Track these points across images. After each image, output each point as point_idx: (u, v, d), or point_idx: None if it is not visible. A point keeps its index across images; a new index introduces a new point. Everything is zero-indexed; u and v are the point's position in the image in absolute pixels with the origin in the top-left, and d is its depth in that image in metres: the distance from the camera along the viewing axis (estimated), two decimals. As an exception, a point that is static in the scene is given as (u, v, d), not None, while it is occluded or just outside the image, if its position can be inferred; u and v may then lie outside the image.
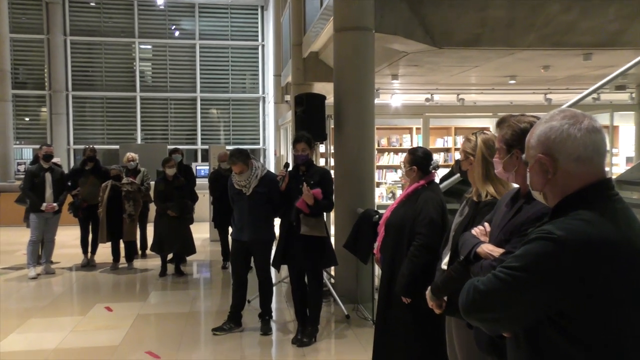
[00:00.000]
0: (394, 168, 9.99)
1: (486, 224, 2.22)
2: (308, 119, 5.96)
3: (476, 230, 2.21)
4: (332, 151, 6.89)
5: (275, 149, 14.70)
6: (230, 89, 15.96)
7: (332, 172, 6.60)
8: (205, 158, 14.86)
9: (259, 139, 16.14)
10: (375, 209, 5.66)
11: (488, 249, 2.04)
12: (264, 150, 16.07)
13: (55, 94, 14.87)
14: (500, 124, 2.14)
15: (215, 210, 7.84)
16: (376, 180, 8.89)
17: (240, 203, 5.02)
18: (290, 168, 4.86)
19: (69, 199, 7.82)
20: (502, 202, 2.18)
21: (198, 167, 13.00)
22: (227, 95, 15.92)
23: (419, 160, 3.49)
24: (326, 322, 5.41)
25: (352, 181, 5.95)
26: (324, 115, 6.23)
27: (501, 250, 1.98)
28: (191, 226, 7.62)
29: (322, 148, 8.47)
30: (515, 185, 2.15)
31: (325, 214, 4.92)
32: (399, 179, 9.28)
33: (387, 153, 10.16)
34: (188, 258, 8.07)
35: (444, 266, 2.66)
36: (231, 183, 5.07)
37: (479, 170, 2.56)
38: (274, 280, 5.59)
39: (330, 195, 4.76)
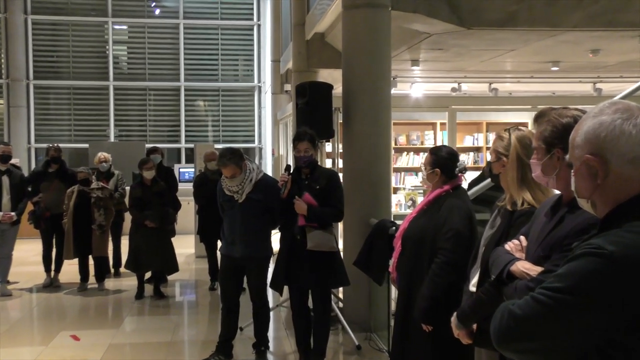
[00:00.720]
0: (414, 171, 9.98)
1: (522, 238, 2.22)
2: (312, 112, 5.97)
3: (510, 245, 2.21)
4: (341, 150, 6.89)
5: (273, 147, 14.72)
6: (220, 77, 16.01)
7: (340, 175, 6.59)
8: (190, 159, 14.90)
9: (253, 136, 16.18)
10: (392, 219, 5.66)
11: (524, 267, 2.04)
12: (260, 149, 16.11)
13: (13, 83, 14.96)
14: (538, 118, 2.14)
15: (201, 220, 7.85)
16: (393, 185, 8.87)
17: (232, 212, 5.02)
18: (291, 171, 4.86)
19: (30, 207, 7.84)
20: (541, 212, 2.18)
21: (181, 170, 13.03)
22: (217, 84, 15.97)
23: (443, 162, 3.50)
24: (333, 353, 5.40)
25: (364, 186, 5.95)
26: (331, 108, 6.23)
27: (539, 269, 1.97)
28: (173, 239, 7.63)
29: (328, 147, 8.47)
30: (557, 192, 2.15)
31: (333, 225, 4.93)
32: (420, 184, 9.27)
33: (406, 153, 10.15)
34: (169, 277, 8.08)
35: (472, 288, 2.66)
36: (220, 188, 5.08)
37: (513, 174, 2.56)
38: (271, 304, 5.58)
39: (338, 202, 4.77)
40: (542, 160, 2.10)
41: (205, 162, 7.88)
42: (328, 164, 8.60)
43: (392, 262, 3.70)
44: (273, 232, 5.21)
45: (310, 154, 4.72)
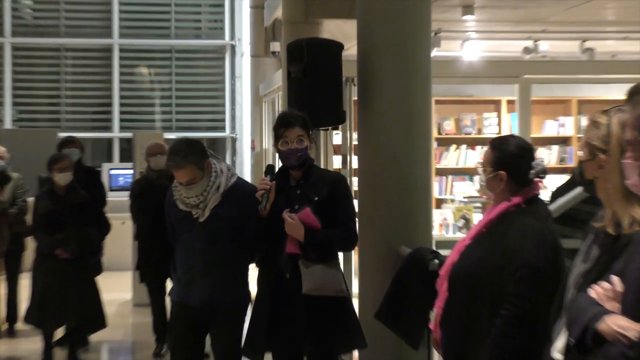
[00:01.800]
0: (468, 174, 9.99)
1: (615, 279, 2.22)
2: (312, 84, 5.97)
3: (597, 290, 2.21)
4: (355, 143, 6.88)
5: (252, 138, 14.73)
6: (172, 31, 16.06)
7: (354, 180, 6.58)
8: (127, 155, 14.92)
9: (223, 120, 16.22)
10: (433, 247, 5.65)
11: (618, 324, 2.05)
12: (233, 140, 16.15)
13: None
14: (632, 96, 2.13)
15: (142, 249, 7.86)
16: (435, 195, 8.87)
17: (188, 237, 5.04)
18: (275, 174, 4.85)
19: None
20: (640, 240, 2.18)
21: (113, 172, 13.08)
22: (168, 42, 16.02)
23: (511, 160, 3.51)
24: None
25: (390, 197, 5.93)
26: (341, 79, 6.24)
27: (640, 327, 1.97)
28: (99, 278, 7.62)
29: (337, 138, 8.47)
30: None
31: (342, 255, 4.90)
32: (477, 194, 9.26)
33: (455, 146, 10.17)
34: (93, 336, 8.07)
35: (557, 355, 2.64)
36: (171, 201, 5.08)
37: (616, 179, 2.53)
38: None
39: (349, 220, 4.77)
40: (639, 159, 2.08)
41: (147, 159, 7.87)
42: (336, 162, 8.59)
43: (435, 313, 3.69)
44: (250, 267, 5.20)
45: (305, 145, 4.70)
